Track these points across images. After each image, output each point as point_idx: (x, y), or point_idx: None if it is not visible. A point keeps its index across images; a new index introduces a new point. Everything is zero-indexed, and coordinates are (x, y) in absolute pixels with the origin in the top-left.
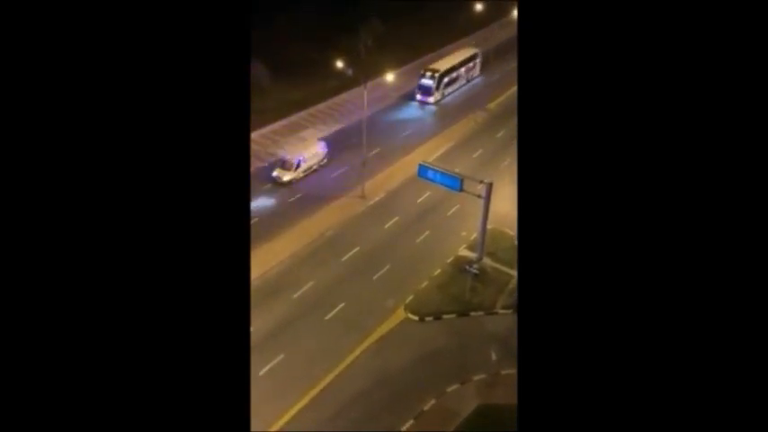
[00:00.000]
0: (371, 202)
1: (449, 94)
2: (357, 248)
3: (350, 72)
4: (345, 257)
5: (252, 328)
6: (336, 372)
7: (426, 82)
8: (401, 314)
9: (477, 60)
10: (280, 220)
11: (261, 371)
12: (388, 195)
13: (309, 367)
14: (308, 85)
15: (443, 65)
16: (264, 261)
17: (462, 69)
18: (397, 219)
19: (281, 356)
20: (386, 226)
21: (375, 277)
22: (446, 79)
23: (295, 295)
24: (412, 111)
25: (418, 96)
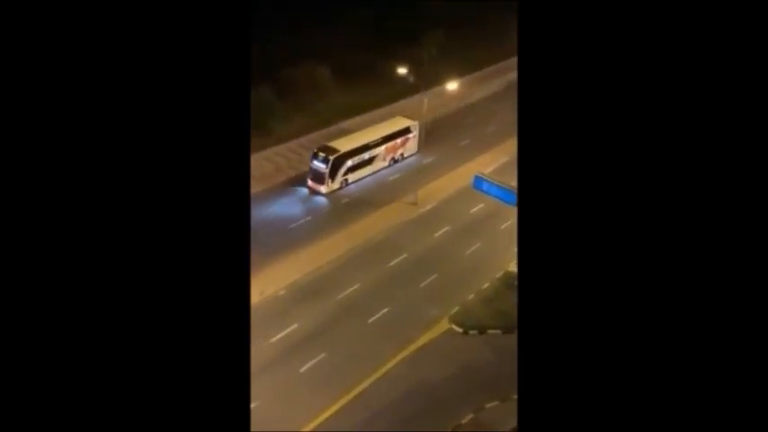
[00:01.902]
0: (423, 210)
1: (354, 181)
2: (405, 255)
3: (410, 79)
4: (392, 263)
5: (296, 325)
6: (375, 376)
7: (318, 165)
8: (445, 325)
9: (412, 135)
10: (330, 221)
11: (302, 368)
12: (440, 204)
13: (349, 369)
14: (366, 91)
15: (348, 143)
16: (312, 261)
17: (381, 148)
18: (447, 228)
19: (323, 355)
20: (436, 234)
21: (421, 285)
22: (349, 162)
23: (339, 296)
24: (471, 119)
25: (309, 182)
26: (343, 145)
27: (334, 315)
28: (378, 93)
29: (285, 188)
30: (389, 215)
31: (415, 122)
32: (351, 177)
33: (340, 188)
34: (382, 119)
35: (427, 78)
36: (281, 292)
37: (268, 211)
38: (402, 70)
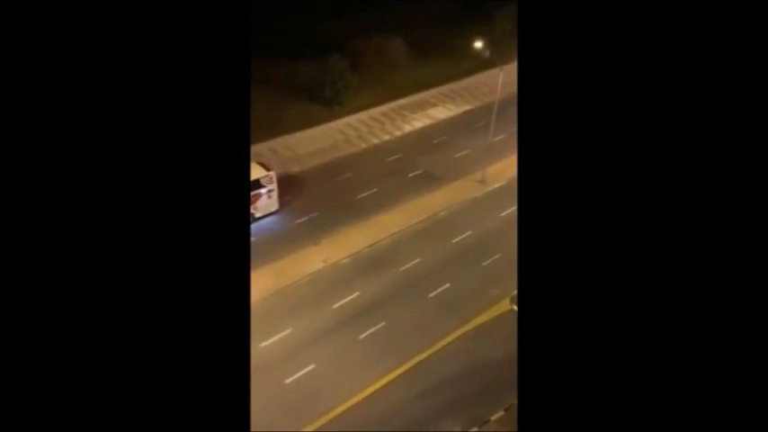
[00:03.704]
0: (490, 188)
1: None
2: (469, 232)
3: (484, 54)
4: (456, 239)
5: (357, 293)
6: (432, 350)
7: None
8: (505, 305)
9: (264, 191)
10: (396, 194)
11: (362, 335)
12: (508, 183)
13: (406, 341)
14: (441, 66)
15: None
16: (376, 233)
17: None
18: (514, 208)
19: (383, 324)
20: (502, 214)
21: (484, 264)
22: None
23: (402, 269)
24: None
25: None
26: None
27: (396, 287)
28: (451, 67)
29: (356, 159)
30: (456, 192)
31: (270, 173)
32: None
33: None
34: (454, 93)
35: (502, 54)
36: (345, 261)
37: (338, 179)
38: (477, 44)
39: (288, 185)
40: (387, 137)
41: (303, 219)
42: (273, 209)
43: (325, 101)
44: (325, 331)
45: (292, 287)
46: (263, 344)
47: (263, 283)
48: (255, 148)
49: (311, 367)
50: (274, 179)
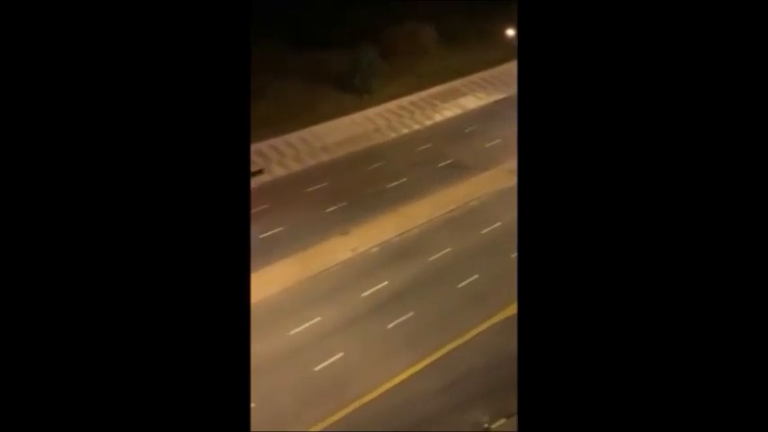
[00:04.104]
0: None
1: None
2: (499, 223)
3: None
4: (486, 230)
5: (386, 282)
6: (459, 341)
7: None
8: None
9: None
10: (426, 184)
11: (390, 324)
12: None
13: (434, 331)
14: (471, 54)
15: None
16: (405, 223)
17: None
18: None
19: (411, 314)
20: None
21: (513, 255)
22: None
23: (431, 259)
24: None
25: None
26: None
27: (424, 277)
28: (482, 55)
29: (387, 149)
30: (486, 182)
31: None
32: None
33: None
34: (485, 82)
35: None
36: (374, 250)
37: (368, 169)
38: (509, 32)
39: (318, 175)
40: (417, 126)
41: (332, 208)
42: None
43: (356, 90)
44: (354, 320)
45: (321, 275)
46: (293, 331)
47: (292, 271)
48: (286, 138)
49: (340, 355)
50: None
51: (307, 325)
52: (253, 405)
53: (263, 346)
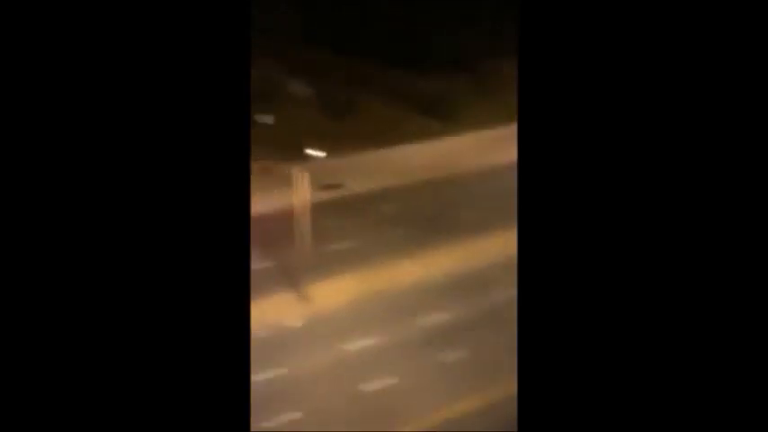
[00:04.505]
0: None
1: None
2: None
3: None
4: None
5: (449, 314)
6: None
7: None
8: None
9: None
10: (501, 218)
11: (445, 358)
12: None
13: (492, 373)
14: None
15: None
16: (474, 255)
17: None
18: None
19: (467, 352)
20: None
21: None
22: None
23: (497, 297)
24: None
25: None
26: None
27: (488, 314)
28: None
29: (467, 178)
30: None
31: None
32: None
33: None
34: None
35: None
36: (441, 279)
37: (443, 195)
38: None
39: (394, 197)
40: (500, 159)
41: (402, 231)
42: None
43: (443, 116)
44: (409, 347)
45: (381, 296)
46: (347, 347)
47: (352, 288)
48: (366, 156)
49: (391, 380)
50: None
51: (362, 343)
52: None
53: (318, 357)
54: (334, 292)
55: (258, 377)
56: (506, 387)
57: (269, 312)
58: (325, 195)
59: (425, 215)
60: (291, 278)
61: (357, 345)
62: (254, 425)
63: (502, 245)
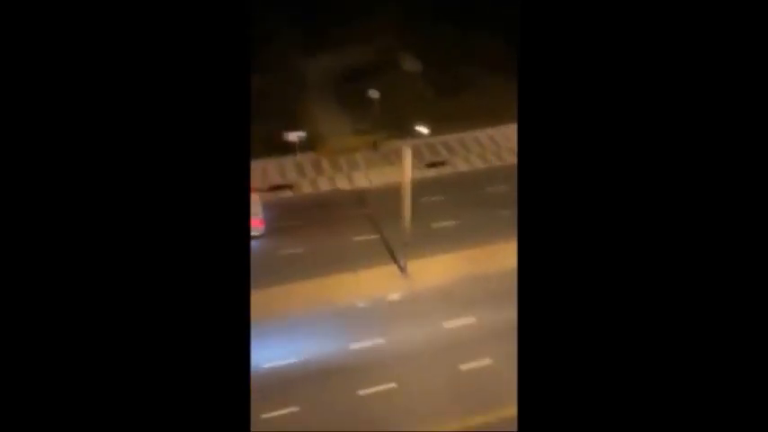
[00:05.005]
0: None
1: None
2: None
3: None
4: None
5: (473, 319)
6: None
7: None
8: None
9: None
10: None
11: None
12: None
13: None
14: None
15: None
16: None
17: None
18: None
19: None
20: None
21: None
22: None
23: None
24: None
25: None
26: None
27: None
28: None
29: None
30: None
31: (254, 198)
32: None
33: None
34: None
35: None
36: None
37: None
38: None
39: (499, 177)
40: None
41: (506, 212)
42: (259, 232)
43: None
44: (507, 330)
45: (486, 275)
46: (446, 325)
47: (458, 266)
48: (476, 134)
49: (487, 361)
50: (259, 204)
51: (461, 322)
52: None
53: (416, 331)
54: (434, 269)
55: (354, 346)
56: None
57: (369, 284)
58: (431, 173)
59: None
60: (393, 252)
61: (456, 323)
62: (348, 392)
63: None
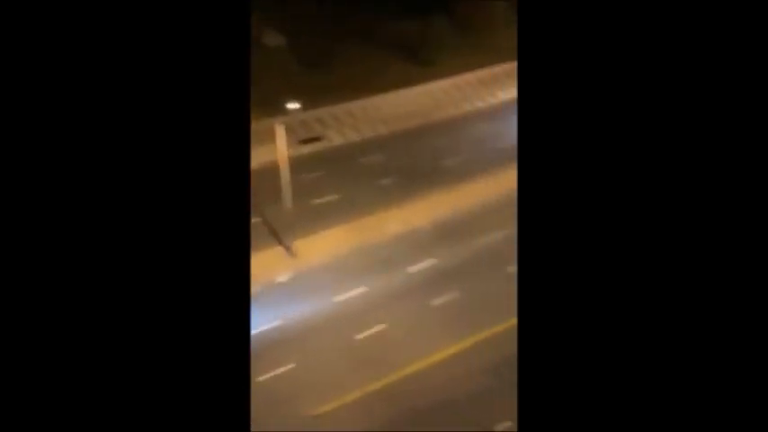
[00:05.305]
0: None
1: None
2: None
3: None
4: None
5: (435, 260)
6: (505, 326)
7: None
8: None
9: None
10: (484, 163)
11: (434, 302)
12: None
13: (480, 313)
14: None
15: None
16: (459, 201)
17: None
18: None
19: (455, 295)
20: None
21: None
22: None
23: (481, 240)
24: None
25: None
26: None
27: (475, 257)
28: None
29: (447, 124)
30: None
31: None
32: None
33: None
34: None
35: None
36: (426, 226)
37: (424, 143)
38: None
39: (374, 148)
40: (480, 103)
41: (386, 181)
42: None
43: (423, 61)
44: (399, 294)
45: (370, 247)
46: (337, 299)
47: (343, 239)
48: (347, 107)
49: (381, 327)
50: None
51: (352, 293)
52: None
53: (309, 309)
54: (320, 246)
55: (251, 331)
56: (498, 324)
57: (258, 268)
58: (306, 149)
59: (408, 164)
60: (278, 234)
61: (346, 295)
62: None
63: (484, 189)
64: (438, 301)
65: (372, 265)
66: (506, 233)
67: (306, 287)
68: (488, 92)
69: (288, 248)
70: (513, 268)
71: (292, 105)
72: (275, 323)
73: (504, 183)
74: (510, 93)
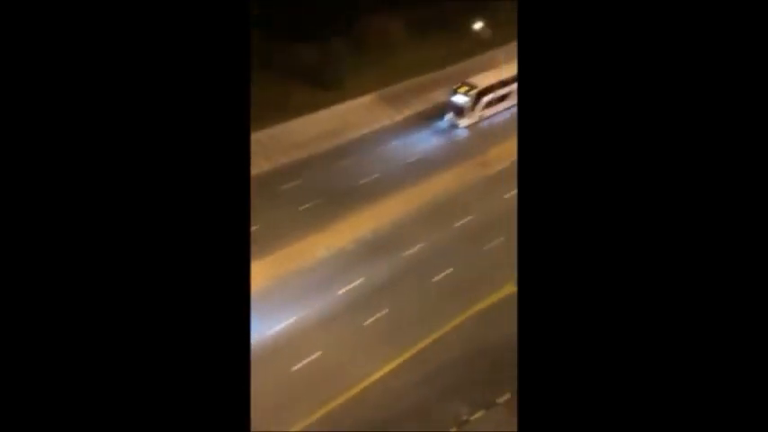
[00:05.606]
0: (493, 171)
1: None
2: (471, 216)
3: (485, 35)
4: (459, 223)
5: (361, 279)
6: (437, 335)
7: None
8: (510, 288)
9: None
10: (398, 179)
11: (366, 321)
12: (514, 165)
13: (411, 326)
14: (442, 46)
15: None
16: (378, 218)
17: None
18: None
19: (386, 311)
20: (506, 196)
21: (486, 248)
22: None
23: (405, 254)
24: None
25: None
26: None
27: (400, 272)
28: (453, 47)
29: (358, 144)
30: (457, 176)
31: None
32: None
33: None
34: (456, 74)
35: (503, 34)
36: (350, 247)
37: (340, 166)
38: (478, 24)
39: (291, 173)
40: (387, 121)
41: (306, 206)
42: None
43: (327, 84)
44: (331, 317)
45: (296, 274)
46: (270, 332)
47: (267, 271)
48: (256, 136)
49: (317, 354)
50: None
51: (283, 325)
52: None
53: None
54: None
55: None
56: (428, 334)
57: None
58: None
59: (324, 188)
60: None
61: (280, 326)
62: None
63: (401, 203)
64: (370, 320)
65: (300, 293)
66: (426, 245)
67: None
68: (395, 109)
69: None
70: (437, 277)
71: None
72: None
73: (418, 196)
74: (414, 108)
